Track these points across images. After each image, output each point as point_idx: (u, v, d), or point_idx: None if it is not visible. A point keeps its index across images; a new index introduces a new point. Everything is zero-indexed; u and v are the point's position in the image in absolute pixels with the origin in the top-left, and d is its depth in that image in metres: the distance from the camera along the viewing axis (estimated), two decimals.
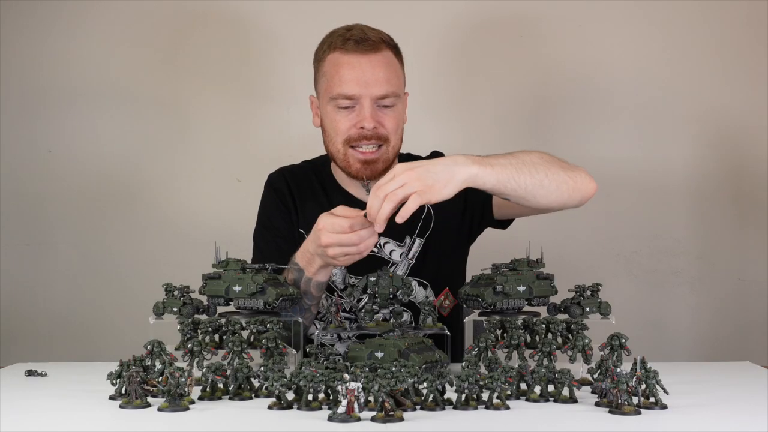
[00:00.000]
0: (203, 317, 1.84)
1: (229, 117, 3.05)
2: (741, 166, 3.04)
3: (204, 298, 1.90)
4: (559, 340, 1.76)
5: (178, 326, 1.80)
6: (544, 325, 1.77)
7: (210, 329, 1.77)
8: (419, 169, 1.75)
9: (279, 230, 2.22)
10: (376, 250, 2.14)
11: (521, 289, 1.82)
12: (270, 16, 3.03)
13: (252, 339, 1.78)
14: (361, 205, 2.14)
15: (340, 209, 1.89)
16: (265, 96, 3.03)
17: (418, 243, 2.16)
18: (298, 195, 2.23)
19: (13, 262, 3.05)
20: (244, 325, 1.77)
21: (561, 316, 1.84)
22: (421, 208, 2.12)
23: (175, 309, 1.87)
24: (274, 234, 2.23)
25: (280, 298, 1.83)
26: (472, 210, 2.21)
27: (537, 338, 1.77)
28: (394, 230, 2.12)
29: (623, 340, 1.67)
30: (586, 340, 1.73)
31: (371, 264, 2.11)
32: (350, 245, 1.85)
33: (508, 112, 3.06)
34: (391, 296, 1.86)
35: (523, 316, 1.80)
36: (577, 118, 3.04)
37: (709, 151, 3.04)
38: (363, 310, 1.89)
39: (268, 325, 1.75)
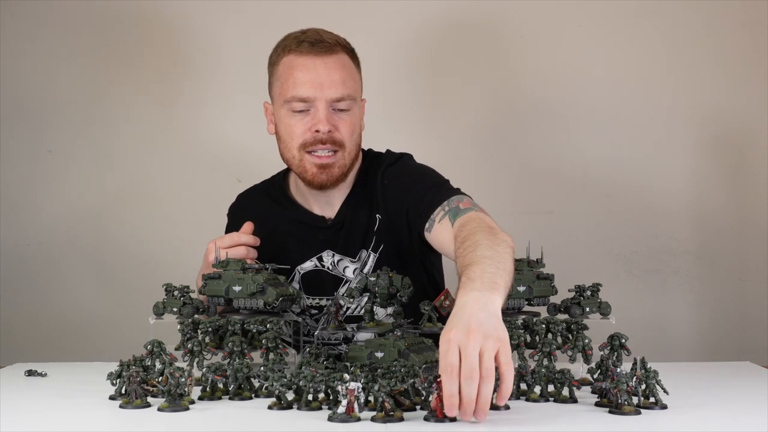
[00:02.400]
0: (203, 317, 1.84)
1: (229, 117, 3.05)
2: (741, 166, 3.04)
3: (204, 298, 1.90)
4: (559, 340, 1.76)
5: (178, 326, 1.80)
6: (544, 325, 1.77)
7: (210, 329, 1.77)
8: (474, 328, 1.45)
9: None
10: (330, 267, 2.14)
11: (521, 289, 1.82)
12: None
13: (252, 339, 1.78)
14: (313, 217, 2.16)
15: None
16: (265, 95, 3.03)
17: (372, 257, 2.12)
18: (252, 218, 2.18)
19: (13, 262, 3.05)
20: (244, 325, 1.77)
21: (561, 316, 1.84)
22: (374, 220, 2.13)
23: (175, 309, 1.87)
24: None
25: (280, 298, 1.83)
26: (411, 224, 2.11)
27: (537, 338, 1.77)
28: (347, 244, 2.13)
29: (623, 340, 1.68)
30: (586, 340, 1.73)
31: (326, 282, 2.13)
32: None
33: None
34: (390, 296, 1.86)
35: (523, 316, 1.80)
36: (575, 120, 3.03)
37: (709, 151, 3.03)
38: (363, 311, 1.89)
39: (268, 325, 1.75)
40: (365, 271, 2.12)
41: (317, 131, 2.03)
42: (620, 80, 3.03)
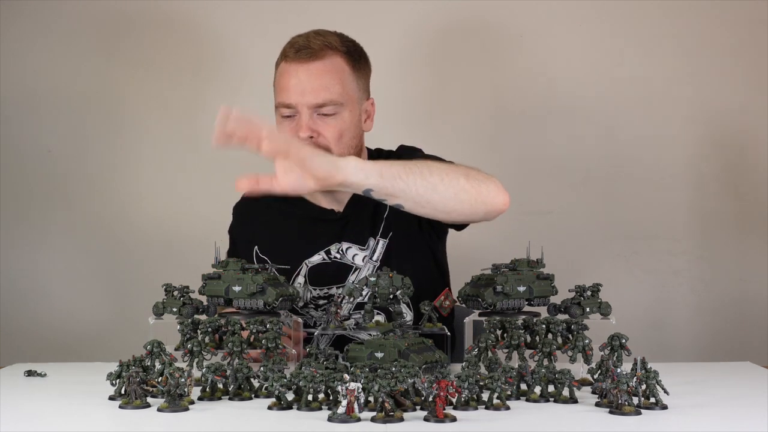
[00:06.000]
0: (203, 317, 1.84)
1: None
2: (741, 166, 3.04)
3: (204, 298, 1.90)
4: (560, 340, 1.76)
5: (178, 326, 1.80)
6: (544, 326, 1.77)
7: (210, 329, 1.77)
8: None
9: (240, 255, 2.22)
10: (338, 256, 2.15)
11: (521, 289, 1.82)
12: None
13: (252, 339, 1.78)
14: (322, 211, 2.20)
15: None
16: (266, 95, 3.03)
17: (381, 244, 2.15)
18: (257, 216, 2.26)
19: (13, 262, 3.05)
20: (244, 325, 1.77)
21: (561, 317, 1.84)
22: (383, 208, 2.14)
23: (174, 309, 1.87)
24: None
25: (280, 298, 1.83)
26: None
27: (537, 338, 1.77)
28: (355, 233, 2.15)
29: (623, 341, 1.67)
30: (587, 341, 1.73)
31: (334, 271, 2.14)
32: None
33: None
34: (391, 296, 1.86)
35: (523, 317, 1.80)
36: (575, 119, 3.04)
37: (709, 151, 3.04)
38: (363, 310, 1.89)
39: (268, 325, 1.75)
40: (374, 258, 2.14)
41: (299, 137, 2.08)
42: (620, 80, 3.04)
